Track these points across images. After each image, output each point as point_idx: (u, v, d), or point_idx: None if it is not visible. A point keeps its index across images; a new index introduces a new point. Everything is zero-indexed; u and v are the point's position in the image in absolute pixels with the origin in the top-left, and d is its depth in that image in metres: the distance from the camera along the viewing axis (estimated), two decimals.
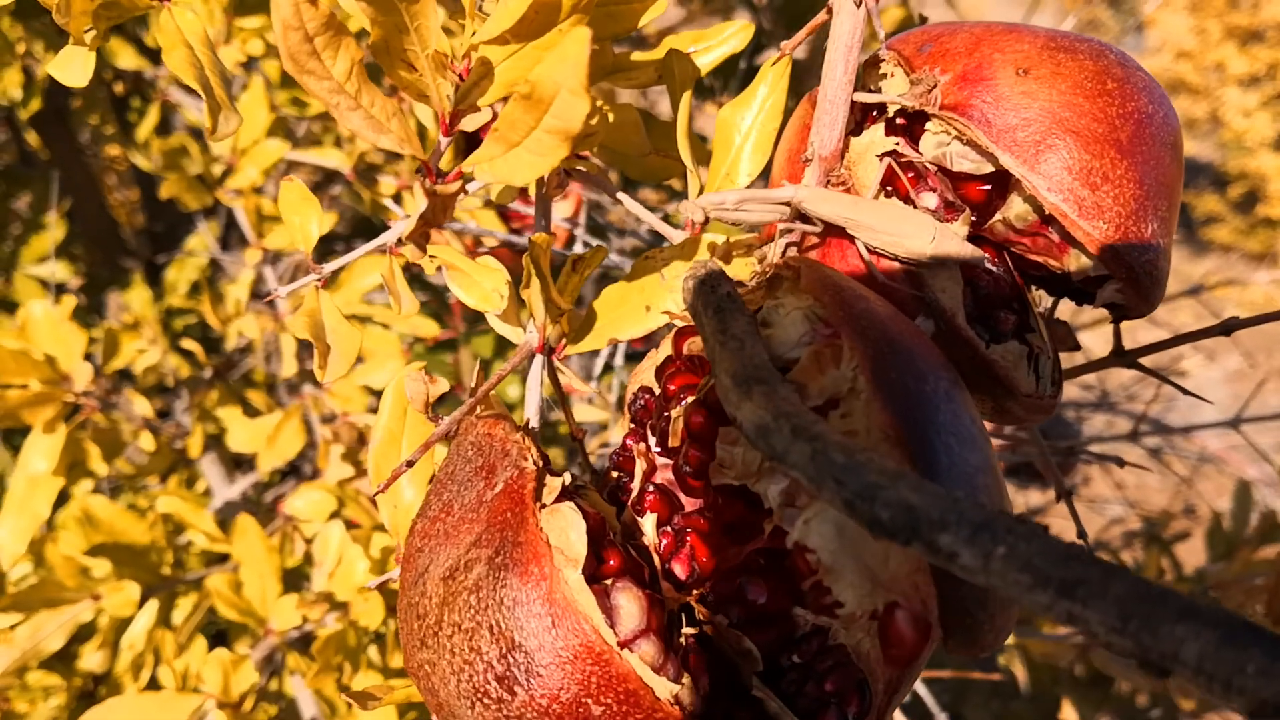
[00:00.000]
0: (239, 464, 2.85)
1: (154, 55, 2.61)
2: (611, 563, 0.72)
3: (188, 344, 2.72)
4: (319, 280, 0.95)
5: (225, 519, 2.43)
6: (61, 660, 2.23)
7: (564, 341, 0.94)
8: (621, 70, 1.02)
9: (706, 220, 0.80)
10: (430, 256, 0.93)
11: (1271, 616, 1.47)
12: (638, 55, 1.01)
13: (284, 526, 2.13)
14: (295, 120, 2.48)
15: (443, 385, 0.79)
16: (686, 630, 0.73)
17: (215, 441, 2.63)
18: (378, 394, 2.43)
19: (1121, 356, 1.07)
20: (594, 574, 0.70)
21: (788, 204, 0.77)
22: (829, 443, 0.48)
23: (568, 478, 0.74)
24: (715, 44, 1.03)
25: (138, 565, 2.07)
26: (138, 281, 3.23)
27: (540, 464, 0.74)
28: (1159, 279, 0.76)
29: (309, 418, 2.27)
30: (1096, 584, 0.39)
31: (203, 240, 3.16)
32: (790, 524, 0.66)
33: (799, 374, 0.66)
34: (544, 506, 0.70)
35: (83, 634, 2.19)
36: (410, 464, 0.76)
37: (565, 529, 0.68)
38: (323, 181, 3.06)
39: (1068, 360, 1.05)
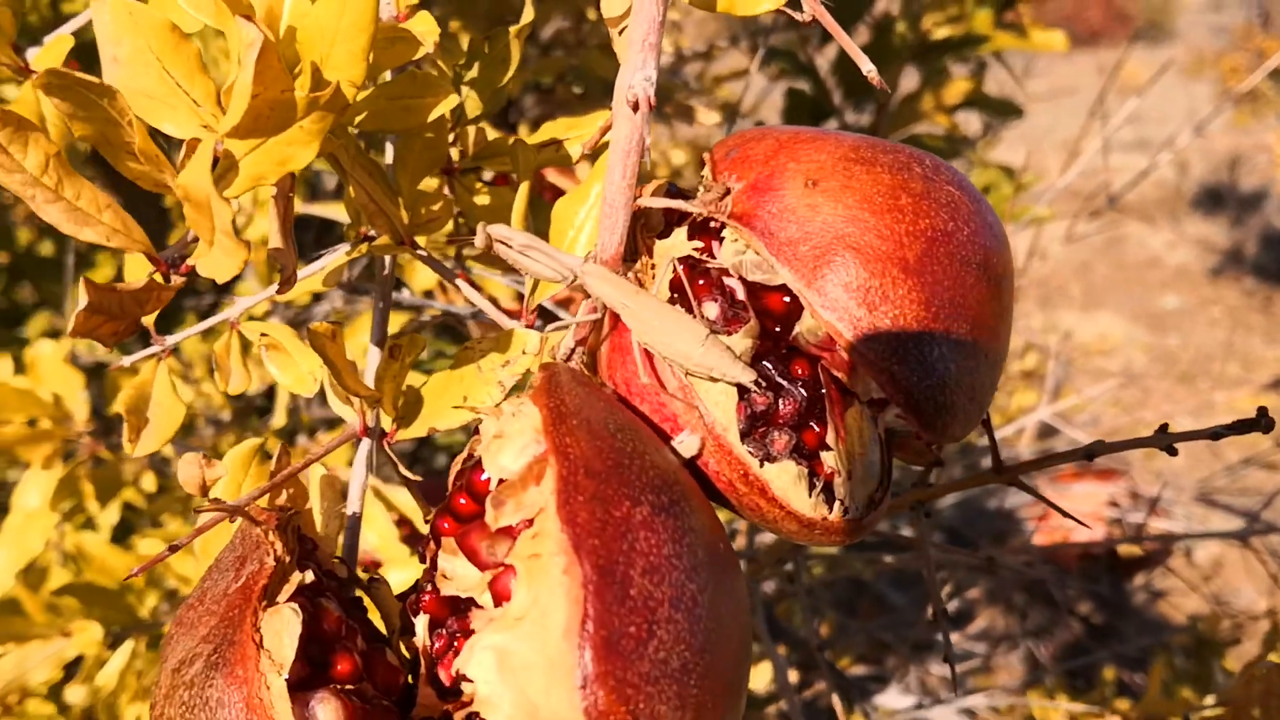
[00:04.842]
0: None
1: None
2: (339, 667, 0.69)
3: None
4: (162, 352, 0.95)
5: None
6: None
7: (396, 425, 0.93)
8: (493, 155, 1.02)
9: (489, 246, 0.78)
10: (261, 334, 0.93)
11: None
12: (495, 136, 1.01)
13: None
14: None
15: (220, 469, 0.78)
16: None
17: None
18: None
19: (1000, 473, 1.02)
20: (311, 679, 0.67)
21: (572, 272, 0.75)
22: None
23: (309, 575, 0.72)
24: (587, 133, 1.02)
25: (111, 605, 2.10)
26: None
27: (285, 559, 0.72)
28: (945, 407, 0.71)
29: None
30: None
31: None
32: None
33: (508, 488, 0.63)
34: (269, 605, 0.69)
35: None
36: (174, 549, 0.75)
37: (280, 631, 0.66)
38: None
39: (949, 473, 0.99)
